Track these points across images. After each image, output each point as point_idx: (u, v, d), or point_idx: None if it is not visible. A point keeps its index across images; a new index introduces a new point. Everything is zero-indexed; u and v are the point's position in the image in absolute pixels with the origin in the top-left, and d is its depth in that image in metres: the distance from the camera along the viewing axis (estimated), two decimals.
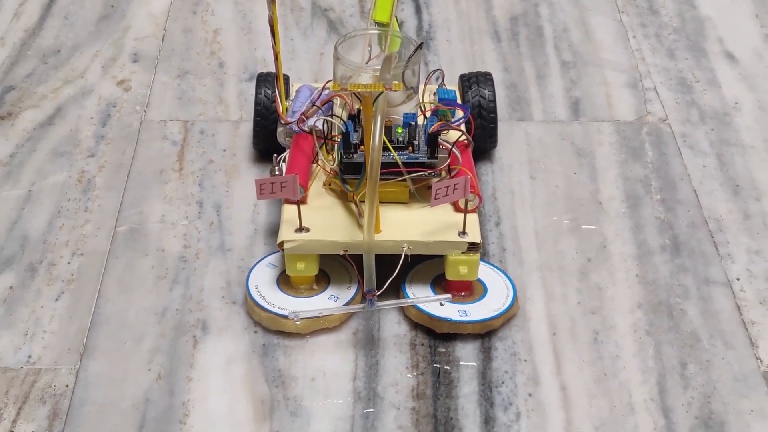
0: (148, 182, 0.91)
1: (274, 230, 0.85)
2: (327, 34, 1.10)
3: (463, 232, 0.76)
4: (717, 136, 0.97)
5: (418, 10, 1.14)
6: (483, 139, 0.91)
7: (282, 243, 0.77)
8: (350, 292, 0.79)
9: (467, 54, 1.07)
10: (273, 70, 0.87)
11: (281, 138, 0.86)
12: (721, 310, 0.80)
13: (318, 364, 0.76)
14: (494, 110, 0.90)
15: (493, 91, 0.90)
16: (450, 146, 0.80)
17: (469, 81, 0.90)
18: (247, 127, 0.97)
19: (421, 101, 0.84)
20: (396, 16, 0.88)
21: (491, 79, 0.91)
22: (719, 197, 0.90)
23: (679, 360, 0.77)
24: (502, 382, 0.76)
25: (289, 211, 0.78)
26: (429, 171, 0.78)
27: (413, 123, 0.79)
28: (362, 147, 0.77)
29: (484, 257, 0.83)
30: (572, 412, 0.74)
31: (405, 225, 0.77)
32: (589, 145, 0.96)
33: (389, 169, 0.77)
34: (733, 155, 0.95)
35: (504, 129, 0.96)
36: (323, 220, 0.77)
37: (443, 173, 0.79)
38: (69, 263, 0.84)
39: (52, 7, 1.13)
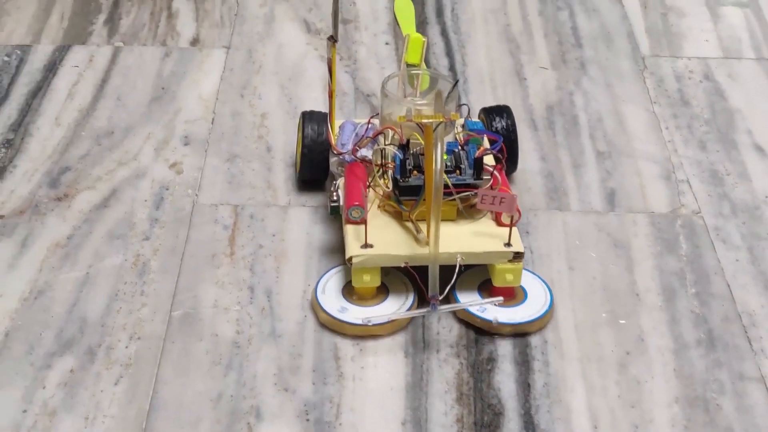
0: (200, 266, 0.95)
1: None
2: None
3: (508, 244, 0.87)
4: (748, 230, 1.00)
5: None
6: (509, 163, 1.00)
7: (350, 258, 0.87)
8: (408, 301, 0.89)
9: None
10: (315, 108, 1.03)
11: (334, 167, 0.98)
12: (755, 405, 0.83)
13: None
14: (516, 137, 1.02)
15: (513, 121, 1.02)
16: (491, 169, 0.91)
17: (491, 112, 1.02)
18: (295, 213, 1.00)
19: (456, 131, 0.96)
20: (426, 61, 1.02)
21: (510, 110, 1.03)
22: (751, 291, 0.94)
23: None
24: None
25: (352, 230, 0.88)
26: (475, 191, 0.89)
27: (456, 150, 0.91)
28: (415, 172, 0.88)
29: (527, 348, 0.87)
30: None
31: (456, 238, 0.88)
32: (625, 237, 0.99)
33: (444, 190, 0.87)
34: (764, 249, 0.98)
35: (542, 219, 1.00)
36: (383, 237, 0.88)
37: None
38: (127, 347, 0.87)
39: (104, 88, 1.17)
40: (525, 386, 0.82)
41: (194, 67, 1.21)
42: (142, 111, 1.14)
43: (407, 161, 0.89)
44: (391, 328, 0.88)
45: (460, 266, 0.86)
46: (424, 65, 1.03)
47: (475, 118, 1.03)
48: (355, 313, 0.88)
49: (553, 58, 1.25)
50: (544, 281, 0.93)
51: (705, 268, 0.96)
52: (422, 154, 0.89)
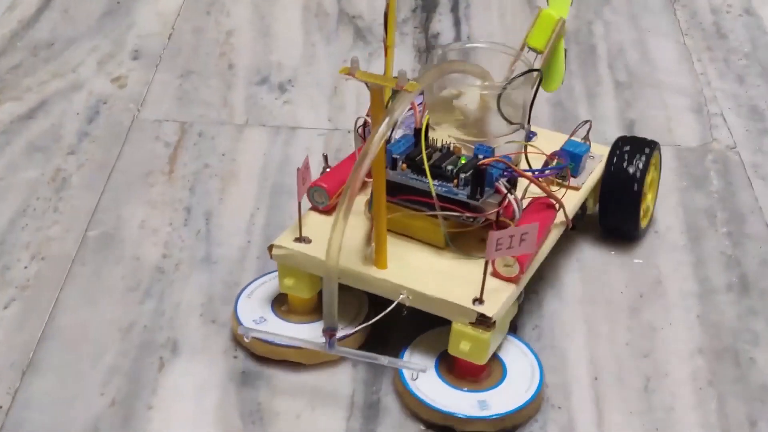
0: (131, 184, 0.79)
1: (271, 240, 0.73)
2: (353, 42, 0.98)
3: (479, 300, 0.60)
4: None
5: (457, 23, 1.02)
6: (619, 223, 0.73)
7: (271, 246, 0.64)
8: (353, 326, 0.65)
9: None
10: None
11: (355, 145, 0.72)
12: None
13: (307, 399, 0.63)
14: (639, 195, 0.71)
15: (646, 165, 0.71)
16: (506, 190, 0.62)
17: (624, 145, 0.72)
18: (252, 132, 0.85)
19: (525, 144, 0.68)
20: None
21: (656, 150, 0.73)
22: None
23: (748, 416, 0.63)
24: None
25: (308, 217, 0.66)
26: (469, 215, 0.62)
27: (480, 156, 0.64)
28: (404, 166, 0.63)
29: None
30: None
31: (417, 270, 0.62)
32: None
33: (423, 199, 0.63)
34: None
35: None
36: (332, 239, 0.59)
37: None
38: (26, 267, 0.71)
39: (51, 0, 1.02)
40: (511, 327, 0.65)
41: None
42: (91, 24, 0.99)
43: (404, 149, 0.64)
44: (302, 356, 0.64)
45: (403, 308, 0.61)
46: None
47: (597, 143, 0.74)
48: (272, 327, 0.65)
49: None
50: (531, 349, 0.65)
51: (739, 207, 0.79)
52: (443, 151, 0.65)
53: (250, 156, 0.83)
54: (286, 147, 0.84)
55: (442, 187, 0.63)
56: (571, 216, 0.67)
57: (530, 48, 0.71)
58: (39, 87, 0.90)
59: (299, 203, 0.63)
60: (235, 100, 0.89)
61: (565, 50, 0.71)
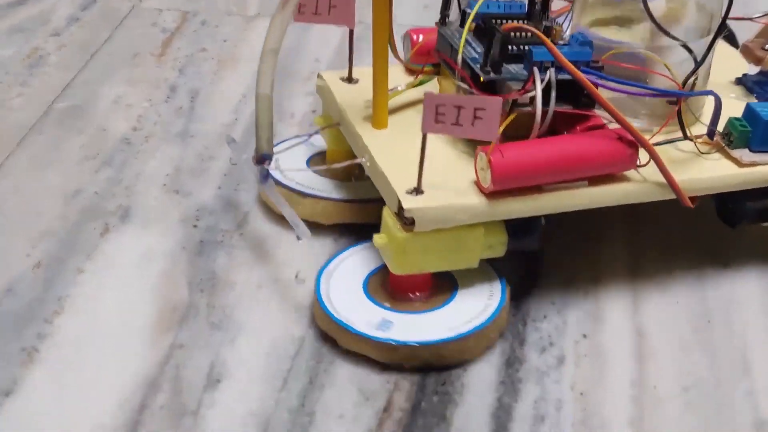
0: (114, 64, 0.69)
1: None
2: None
3: (417, 191, 0.45)
4: None
5: None
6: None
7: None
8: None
9: None
10: None
11: None
12: None
13: (273, 270, 0.51)
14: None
15: None
16: (539, 78, 0.45)
17: None
18: (263, 23, 0.74)
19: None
20: None
21: None
22: None
23: None
24: (544, 317, 0.49)
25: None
26: (475, 92, 0.47)
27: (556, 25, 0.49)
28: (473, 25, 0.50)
29: None
30: (649, 364, 0.47)
31: (404, 141, 0.48)
32: None
33: (451, 61, 0.49)
34: None
35: None
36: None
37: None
38: None
39: None
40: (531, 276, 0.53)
41: None
42: None
43: (494, 45, 0.47)
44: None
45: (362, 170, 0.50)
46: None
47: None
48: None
49: None
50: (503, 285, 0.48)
51: None
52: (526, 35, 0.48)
53: (256, 43, 0.72)
54: (299, 37, 0.73)
55: (472, 52, 0.49)
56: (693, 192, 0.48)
57: None
58: None
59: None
60: None
61: None
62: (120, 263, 0.52)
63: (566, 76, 0.46)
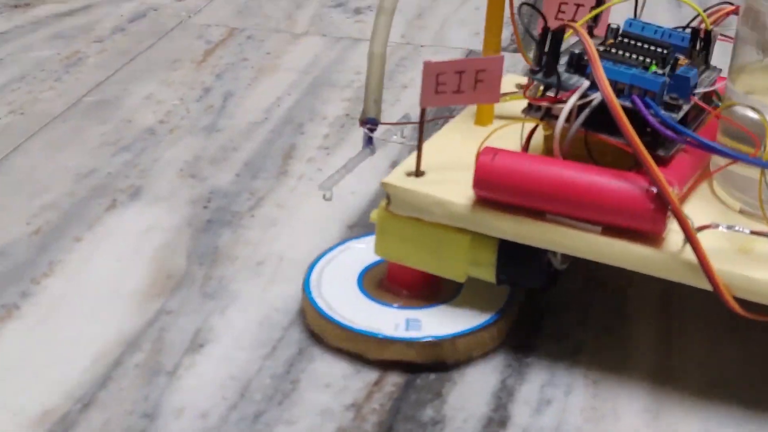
0: (152, 68, 0.68)
1: (293, 120, 0.60)
2: None
3: (417, 173, 0.42)
4: None
5: None
6: None
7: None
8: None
9: None
10: None
11: None
12: None
13: (277, 249, 0.48)
14: None
15: None
16: (587, 80, 0.40)
17: None
18: (309, 39, 0.72)
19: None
20: None
21: None
22: None
23: None
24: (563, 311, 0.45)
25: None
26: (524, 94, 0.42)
27: (673, 56, 0.42)
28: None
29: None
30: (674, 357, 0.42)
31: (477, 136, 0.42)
32: None
33: None
34: None
35: None
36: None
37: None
38: None
39: None
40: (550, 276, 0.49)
41: None
42: None
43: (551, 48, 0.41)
44: None
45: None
46: None
47: None
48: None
49: None
50: None
51: None
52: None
53: (297, 55, 0.70)
54: (345, 52, 0.71)
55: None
56: None
57: None
58: None
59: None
60: (301, 16, 0.77)
61: None
62: (120, 234, 0.49)
63: (627, 103, 0.39)
